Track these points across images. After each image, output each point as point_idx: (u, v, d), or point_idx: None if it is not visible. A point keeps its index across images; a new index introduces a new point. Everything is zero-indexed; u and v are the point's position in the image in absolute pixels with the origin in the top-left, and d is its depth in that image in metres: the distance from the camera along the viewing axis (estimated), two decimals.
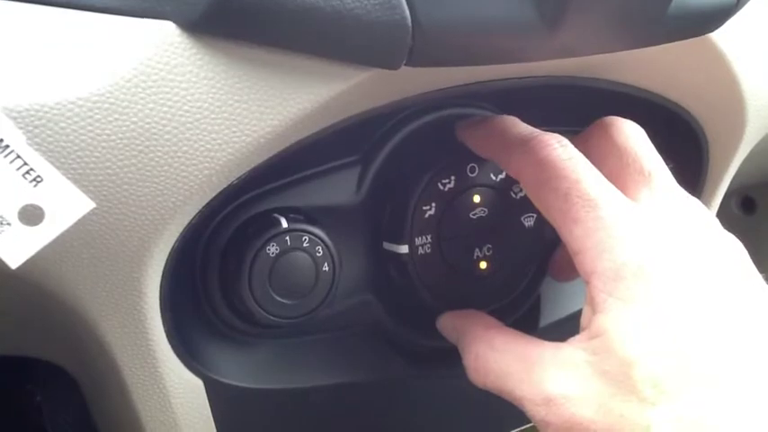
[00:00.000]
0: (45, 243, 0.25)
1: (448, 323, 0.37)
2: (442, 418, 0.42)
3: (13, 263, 0.24)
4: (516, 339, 0.32)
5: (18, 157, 0.23)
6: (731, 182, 0.48)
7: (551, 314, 0.43)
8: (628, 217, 0.29)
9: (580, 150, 0.32)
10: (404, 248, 0.37)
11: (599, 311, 0.28)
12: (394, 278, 0.38)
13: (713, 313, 0.28)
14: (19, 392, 0.45)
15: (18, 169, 0.23)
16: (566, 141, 0.32)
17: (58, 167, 0.25)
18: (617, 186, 0.31)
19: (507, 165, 0.33)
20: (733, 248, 0.31)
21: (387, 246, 0.37)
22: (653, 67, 0.38)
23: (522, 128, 0.33)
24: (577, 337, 0.30)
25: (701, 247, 0.30)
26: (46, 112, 0.25)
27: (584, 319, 0.30)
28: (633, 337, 0.27)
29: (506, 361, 0.31)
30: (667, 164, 0.45)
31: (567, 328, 0.43)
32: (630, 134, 0.33)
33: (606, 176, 0.31)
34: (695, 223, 0.31)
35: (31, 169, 0.23)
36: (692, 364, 0.27)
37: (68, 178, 0.25)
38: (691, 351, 0.27)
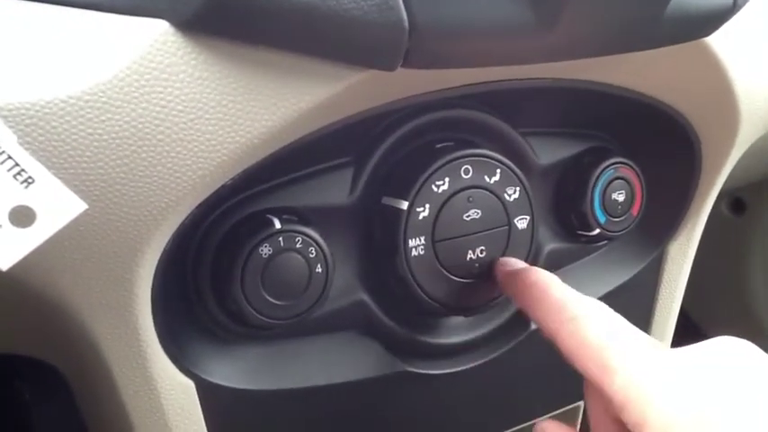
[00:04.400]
0: (36, 245, 0.24)
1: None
2: (439, 415, 0.42)
3: (4, 264, 0.24)
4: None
5: (9, 157, 0.23)
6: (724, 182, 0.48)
7: None
8: (660, 360, 0.29)
9: None
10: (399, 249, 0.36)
11: None
12: (388, 278, 0.38)
13: None
14: (7, 389, 0.45)
15: (9, 170, 0.23)
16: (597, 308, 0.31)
17: (49, 167, 0.25)
18: None
19: (545, 328, 0.33)
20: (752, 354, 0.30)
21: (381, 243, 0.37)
22: (647, 69, 0.38)
23: (560, 294, 0.33)
24: None
25: (742, 380, 0.29)
26: (37, 111, 0.25)
27: None
28: None
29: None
30: (660, 166, 0.45)
31: None
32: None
33: None
34: (727, 357, 0.30)
35: (23, 170, 0.23)
36: None
37: (60, 178, 0.25)
38: None
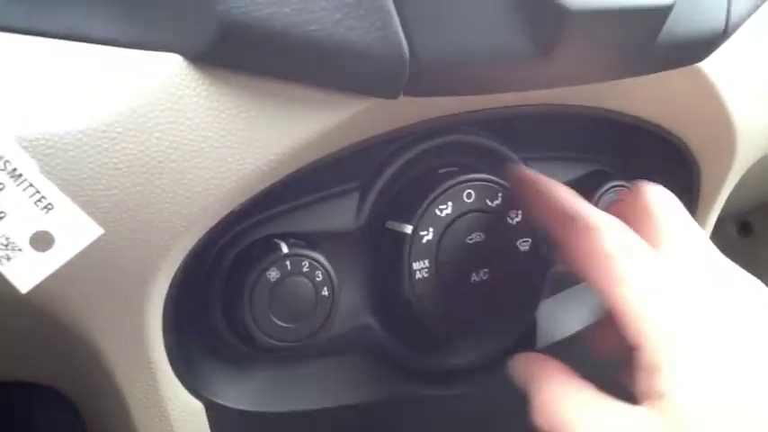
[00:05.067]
0: (55, 268, 0.25)
1: (520, 364, 0.36)
2: None
3: (24, 287, 0.25)
4: (586, 392, 0.31)
5: (31, 185, 0.24)
6: (728, 206, 0.48)
7: (547, 337, 0.44)
8: (667, 277, 0.30)
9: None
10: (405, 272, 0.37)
11: (657, 372, 0.29)
12: (393, 301, 0.39)
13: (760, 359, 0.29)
14: (18, 419, 0.45)
15: (31, 197, 0.24)
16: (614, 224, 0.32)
17: (67, 194, 0.26)
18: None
19: (554, 234, 0.34)
20: (762, 291, 0.31)
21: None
22: (645, 94, 0.39)
23: (574, 202, 0.33)
24: (645, 404, 0.29)
25: (741, 299, 0.30)
26: (56, 141, 0.26)
27: (640, 383, 0.29)
28: (696, 395, 0.28)
29: (573, 411, 0.31)
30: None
31: (562, 351, 0.44)
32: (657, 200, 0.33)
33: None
34: (729, 279, 0.31)
35: (43, 197, 0.24)
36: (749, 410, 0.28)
37: (76, 203, 0.26)
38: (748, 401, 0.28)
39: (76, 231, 0.25)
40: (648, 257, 0.30)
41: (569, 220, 0.32)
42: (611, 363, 0.34)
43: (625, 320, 0.30)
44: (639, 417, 0.29)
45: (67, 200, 0.24)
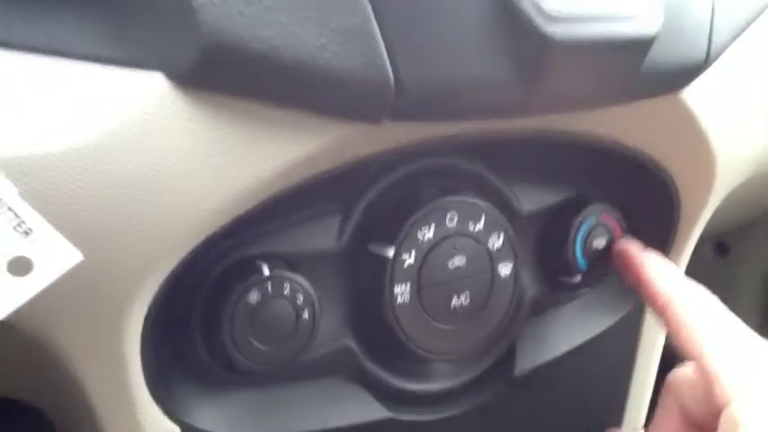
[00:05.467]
0: (32, 294, 0.25)
1: None
2: None
3: (0, 313, 0.24)
4: None
5: (9, 209, 0.23)
6: (706, 228, 0.49)
7: (526, 362, 0.43)
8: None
9: None
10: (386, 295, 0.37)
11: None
12: (374, 324, 0.38)
13: None
14: None
15: (9, 221, 0.23)
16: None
17: (45, 215, 0.25)
18: None
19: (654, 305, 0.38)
20: None
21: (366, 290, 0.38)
22: (625, 121, 0.39)
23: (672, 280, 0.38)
24: None
25: None
26: (36, 162, 0.25)
27: None
28: None
29: None
30: (640, 213, 0.46)
31: (542, 376, 0.44)
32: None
33: None
34: None
35: (22, 221, 0.24)
36: None
37: (55, 226, 0.26)
38: None
39: (56, 257, 0.24)
40: (727, 324, 0.35)
41: (657, 294, 0.37)
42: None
43: (716, 386, 0.33)
44: None
45: (47, 224, 0.24)
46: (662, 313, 0.37)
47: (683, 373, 0.38)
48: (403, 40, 0.27)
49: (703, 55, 0.35)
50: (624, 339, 0.49)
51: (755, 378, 0.32)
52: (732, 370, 0.33)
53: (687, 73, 0.35)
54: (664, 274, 0.38)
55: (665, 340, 0.50)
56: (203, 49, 0.26)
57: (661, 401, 0.38)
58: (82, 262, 0.27)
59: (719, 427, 0.32)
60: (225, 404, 0.36)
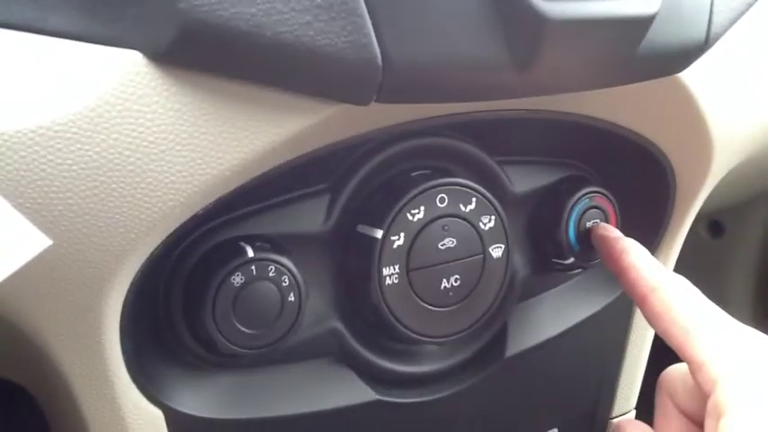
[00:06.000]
0: None
1: None
2: None
3: None
4: None
5: None
6: (701, 208, 0.48)
7: (517, 344, 0.43)
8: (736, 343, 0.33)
9: None
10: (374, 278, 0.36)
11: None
12: (362, 306, 0.38)
13: None
14: None
15: None
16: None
17: (16, 197, 0.25)
18: None
19: (631, 294, 0.38)
20: None
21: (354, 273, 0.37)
22: (621, 103, 0.38)
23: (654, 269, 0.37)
24: None
25: None
26: (5, 141, 0.24)
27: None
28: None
29: None
30: (635, 194, 0.45)
31: (533, 358, 0.43)
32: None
33: None
34: None
35: None
36: None
37: (27, 208, 0.25)
38: None
39: (21, 242, 0.23)
40: (712, 313, 0.35)
41: (642, 280, 0.36)
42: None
43: (701, 372, 0.33)
44: None
45: (12, 209, 0.23)
46: (642, 301, 0.36)
47: (675, 369, 0.38)
48: (391, 17, 0.26)
49: (703, 36, 0.34)
50: (616, 321, 0.48)
51: (740, 363, 0.32)
52: (716, 355, 0.32)
53: (686, 54, 0.34)
54: (646, 262, 0.37)
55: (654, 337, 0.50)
56: (181, 25, 0.25)
57: (657, 403, 0.38)
58: (55, 244, 0.26)
59: (707, 414, 0.32)
60: (209, 388, 0.36)
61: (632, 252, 0.38)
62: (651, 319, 0.36)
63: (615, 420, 0.38)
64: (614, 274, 0.39)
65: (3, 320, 0.28)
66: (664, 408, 0.37)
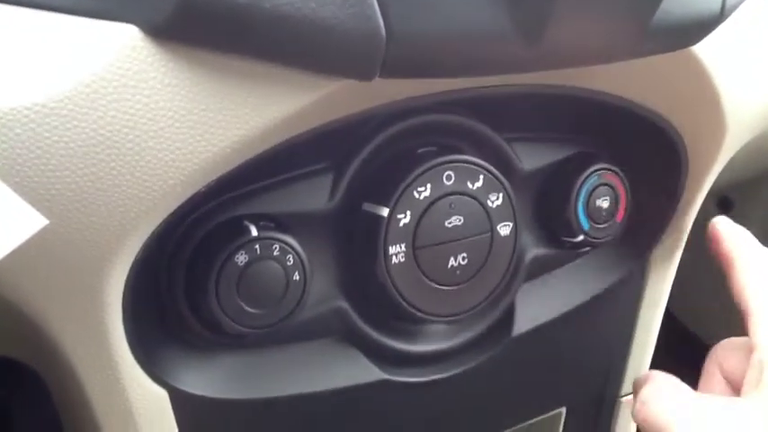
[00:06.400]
0: None
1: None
2: (418, 424, 0.42)
3: None
4: (684, 392, 0.36)
5: None
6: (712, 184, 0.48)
7: (525, 323, 0.43)
8: None
9: None
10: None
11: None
12: (368, 285, 0.37)
13: None
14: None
15: None
16: None
17: (12, 176, 0.24)
18: None
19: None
20: None
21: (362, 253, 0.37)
22: (633, 77, 0.37)
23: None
24: (749, 394, 0.34)
25: None
26: (0, 118, 0.24)
27: (750, 379, 0.34)
28: None
29: (672, 412, 0.34)
30: (646, 172, 0.45)
31: (541, 337, 0.43)
32: None
33: None
34: None
35: None
36: None
37: (24, 187, 0.24)
38: None
39: (17, 222, 0.23)
40: None
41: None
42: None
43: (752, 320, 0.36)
44: (744, 409, 0.33)
45: (8, 189, 0.23)
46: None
47: (728, 340, 0.39)
48: None
49: (718, 7, 0.32)
50: (626, 300, 0.48)
51: None
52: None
53: (701, 26, 0.33)
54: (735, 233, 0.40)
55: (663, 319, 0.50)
56: None
57: (705, 370, 0.39)
58: (53, 224, 0.25)
59: (748, 369, 0.34)
60: (214, 368, 0.36)
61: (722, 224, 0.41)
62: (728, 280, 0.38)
63: (644, 372, 0.40)
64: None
65: (4, 301, 0.28)
66: (710, 375, 0.39)
